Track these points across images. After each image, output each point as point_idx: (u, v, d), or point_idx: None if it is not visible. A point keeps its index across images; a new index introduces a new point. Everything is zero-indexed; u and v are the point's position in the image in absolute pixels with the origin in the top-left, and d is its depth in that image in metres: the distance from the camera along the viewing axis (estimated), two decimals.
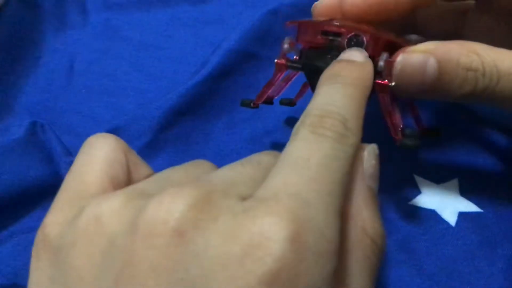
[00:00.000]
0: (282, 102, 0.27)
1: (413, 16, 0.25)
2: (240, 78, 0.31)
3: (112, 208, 0.13)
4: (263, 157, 0.17)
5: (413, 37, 0.28)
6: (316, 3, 0.23)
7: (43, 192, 0.25)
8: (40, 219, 0.25)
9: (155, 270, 0.12)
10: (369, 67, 0.19)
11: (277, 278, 0.11)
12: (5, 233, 0.24)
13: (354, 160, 0.15)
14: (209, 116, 0.29)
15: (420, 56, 0.18)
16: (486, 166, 0.26)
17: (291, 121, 0.29)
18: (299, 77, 0.24)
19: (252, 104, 0.24)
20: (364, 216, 0.15)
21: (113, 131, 0.27)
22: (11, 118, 0.30)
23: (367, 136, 0.23)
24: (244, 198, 0.13)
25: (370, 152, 0.17)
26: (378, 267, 0.15)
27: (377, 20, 0.21)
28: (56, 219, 0.15)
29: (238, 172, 0.15)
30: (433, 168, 0.26)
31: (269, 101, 0.25)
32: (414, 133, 0.19)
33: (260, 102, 0.24)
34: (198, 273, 0.12)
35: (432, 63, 0.18)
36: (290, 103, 0.26)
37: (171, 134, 0.28)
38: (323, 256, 0.12)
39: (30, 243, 0.23)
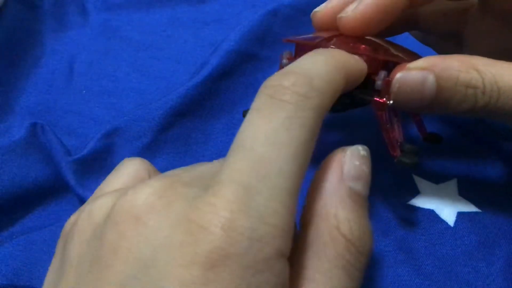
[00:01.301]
0: None
1: (415, 13, 0.25)
2: (240, 78, 0.31)
3: (102, 203, 0.15)
4: None
5: (416, 33, 0.27)
6: (315, 10, 0.22)
7: (43, 193, 0.25)
8: (40, 219, 0.25)
9: (116, 252, 0.13)
10: (357, 59, 0.18)
11: (208, 260, 0.12)
12: (5, 233, 0.24)
13: (319, 123, 0.15)
14: (208, 116, 0.29)
15: (418, 73, 0.18)
16: (485, 166, 0.26)
17: None
18: None
19: None
20: (340, 216, 0.15)
21: (113, 131, 0.27)
22: (12, 119, 0.30)
23: (365, 138, 0.23)
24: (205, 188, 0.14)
25: (353, 153, 0.16)
26: (359, 268, 0.15)
27: (376, 31, 0.21)
28: (72, 218, 0.17)
29: (211, 165, 0.16)
30: (432, 168, 0.26)
31: None
32: (413, 150, 0.19)
33: None
34: (149, 254, 0.13)
35: (431, 80, 0.18)
36: None
37: (170, 135, 0.28)
38: (260, 241, 0.13)
39: (30, 244, 0.23)
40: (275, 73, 0.15)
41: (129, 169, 0.19)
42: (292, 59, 0.21)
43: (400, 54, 0.20)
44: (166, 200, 0.14)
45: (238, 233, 0.13)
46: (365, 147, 0.17)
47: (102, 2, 0.38)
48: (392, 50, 0.21)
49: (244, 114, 0.24)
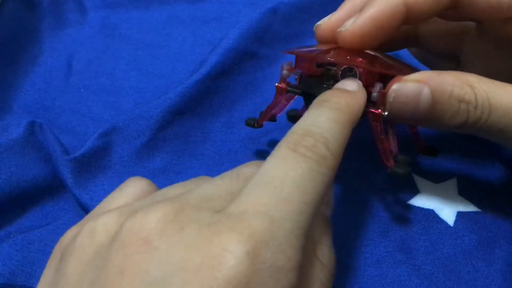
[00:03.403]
0: (289, 114, 0.27)
1: (416, 31, 0.25)
2: (239, 77, 0.31)
3: (105, 223, 0.15)
4: (244, 170, 0.17)
5: (415, 51, 0.28)
6: (318, 23, 0.23)
7: (41, 191, 0.25)
8: (37, 219, 0.25)
9: (122, 273, 0.13)
10: (360, 95, 0.19)
11: (228, 285, 0.12)
12: (3, 232, 0.24)
13: (332, 180, 0.16)
14: (207, 115, 0.29)
15: (414, 86, 0.19)
16: (484, 165, 0.26)
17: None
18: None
19: (255, 124, 0.25)
20: (315, 238, 0.16)
21: (111, 130, 0.27)
22: (9, 117, 0.30)
23: (365, 137, 0.23)
24: (217, 211, 0.14)
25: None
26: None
27: (374, 45, 0.21)
28: (71, 232, 0.17)
29: (216, 186, 0.16)
30: (431, 167, 0.26)
31: (272, 119, 0.25)
32: (406, 161, 0.20)
33: (263, 121, 0.25)
34: (159, 275, 0.13)
35: (425, 92, 0.19)
36: (296, 114, 0.26)
37: (169, 133, 0.28)
38: (279, 271, 0.13)
39: (27, 243, 0.23)
40: (293, 128, 0.17)
41: (134, 188, 0.18)
42: (292, 69, 0.22)
43: (396, 67, 0.21)
44: (179, 225, 0.14)
45: (261, 261, 0.13)
46: None
47: (101, 0, 0.38)
48: (389, 64, 0.21)
49: (246, 123, 0.25)
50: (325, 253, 0.16)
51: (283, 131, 0.28)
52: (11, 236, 0.23)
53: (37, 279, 0.21)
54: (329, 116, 0.17)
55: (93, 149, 0.26)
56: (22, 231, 0.24)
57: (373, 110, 0.20)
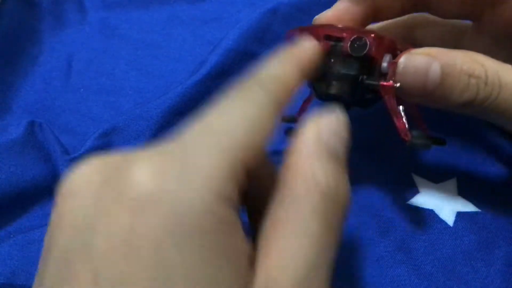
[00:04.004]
0: (284, 120, 0.27)
1: (413, 34, 0.25)
2: (239, 77, 0.31)
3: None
4: None
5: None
6: (316, 16, 0.23)
7: (40, 191, 0.25)
8: (37, 219, 0.25)
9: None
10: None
11: (137, 203, 0.13)
12: (2, 232, 0.24)
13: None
14: None
15: (424, 58, 0.19)
16: (484, 165, 0.26)
17: None
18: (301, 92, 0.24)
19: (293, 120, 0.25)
20: (315, 166, 0.15)
21: (111, 130, 0.27)
22: (9, 117, 0.30)
23: (365, 137, 0.23)
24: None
25: (330, 116, 0.16)
26: (336, 219, 0.15)
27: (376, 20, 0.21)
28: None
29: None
30: (431, 167, 0.25)
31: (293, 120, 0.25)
32: (422, 134, 0.19)
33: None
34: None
35: (435, 66, 0.18)
36: (292, 119, 0.26)
37: (169, 134, 0.28)
38: (192, 183, 0.13)
39: (27, 243, 0.23)
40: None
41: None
42: None
43: (403, 42, 0.21)
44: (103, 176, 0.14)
45: (169, 177, 0.13)
46: (342, 110, 0.17)
47: (101, 0, 0.38)
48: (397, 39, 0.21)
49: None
50: (329, 180, 0.14)
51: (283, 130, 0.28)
52: (12, 236, 0.23)
53: (27, 279, 0.21)
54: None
55: (93, 149, 0.26)
56: (22, 231, 0.24)
57: (384, 83, 0.19)
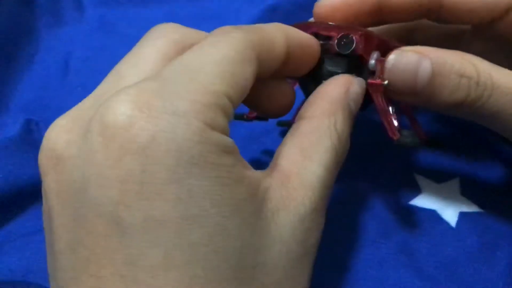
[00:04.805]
0: (279, 124, 0.26)
1: (412, 36, 0.25)
2: None
3: None
4: None
5: None
6: (316, 2, 0.22)
7: (37, 191, 0.25)
8: (37, 218, 0.25)
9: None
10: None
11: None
12: (2, 232, 0.24)
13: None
14: None
15: (414, 56, 0.18)
16: (487, 166, 0.25)
17: None
18: (298, 93, 0.23)
19: (245, 117, 0.24)
20: (338, 117, 0.18)
21: None
22: (6, 116, 0.29)
23: (367, 137, 0.23)
24: None
25: (359, 81, 0.19)
26: (339, 162, 0.18)
27: (374, 19, 0.21)
28: None
29: None
30: (434, 167, 0.25)
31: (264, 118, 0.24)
32: (411, 133, 0.19)
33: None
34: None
35: (426, 64, 0.18)
36: (287, 124, 0.26)
37: None
38: (184, 116, 0.14)
39: (27, 243, 0.23)
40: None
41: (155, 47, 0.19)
42: None
43: (393, 40, 0.20)
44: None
45: (158, 112, 0.13)
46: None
47: None
48: (386, 37, 0.21)
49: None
50: (344, 132, 0.18)
51: (284, 131, 0.28)
52: (11, 236, 0.23)
53: (37, 278, 0.21)
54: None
55: None
56: (22, 230, 0.24)
57: (372, 81, 0.19)
